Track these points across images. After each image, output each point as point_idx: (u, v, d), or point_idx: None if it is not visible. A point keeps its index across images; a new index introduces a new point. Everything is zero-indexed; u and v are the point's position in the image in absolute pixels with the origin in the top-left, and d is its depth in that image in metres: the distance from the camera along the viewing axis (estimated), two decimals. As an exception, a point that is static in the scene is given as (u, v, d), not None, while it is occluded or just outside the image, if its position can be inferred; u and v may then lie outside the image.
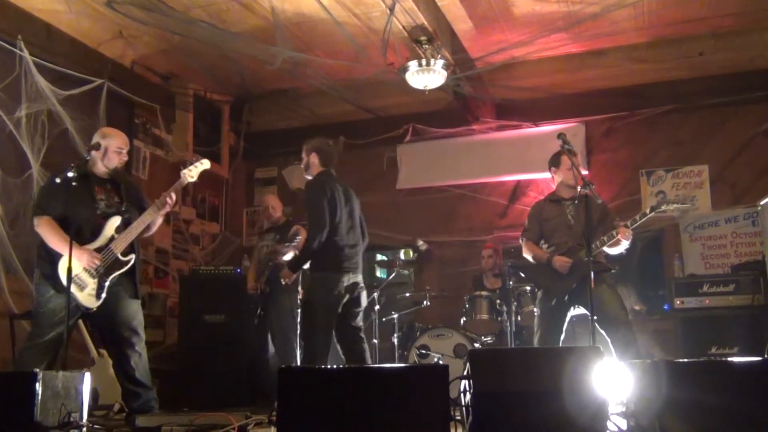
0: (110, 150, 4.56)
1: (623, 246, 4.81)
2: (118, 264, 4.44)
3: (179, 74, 7.48)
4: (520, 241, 5.26)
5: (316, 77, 7.08)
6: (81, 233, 4.35)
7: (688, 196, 7.08)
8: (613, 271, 5.03)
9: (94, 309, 4.37)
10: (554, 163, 5.17)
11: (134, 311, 4.58)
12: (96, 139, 4.59)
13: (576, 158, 4.90)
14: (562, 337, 4.97)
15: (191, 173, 4.79)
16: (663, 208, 4.83)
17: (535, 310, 5.18)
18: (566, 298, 4.89)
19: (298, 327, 5.61)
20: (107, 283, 4.39)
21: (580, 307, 4.89)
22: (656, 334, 6.84)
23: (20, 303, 5.38)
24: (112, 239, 4.44)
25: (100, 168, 4.57)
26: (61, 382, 3.49)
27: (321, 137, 5.38)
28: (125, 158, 4.68)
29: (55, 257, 4.32)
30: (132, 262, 4.50)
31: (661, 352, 6.51)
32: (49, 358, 4.29)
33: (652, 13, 6.38)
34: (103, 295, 4.37)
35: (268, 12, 6.08)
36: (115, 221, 4.49)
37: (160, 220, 4.72)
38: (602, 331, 4.70)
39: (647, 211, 4.82)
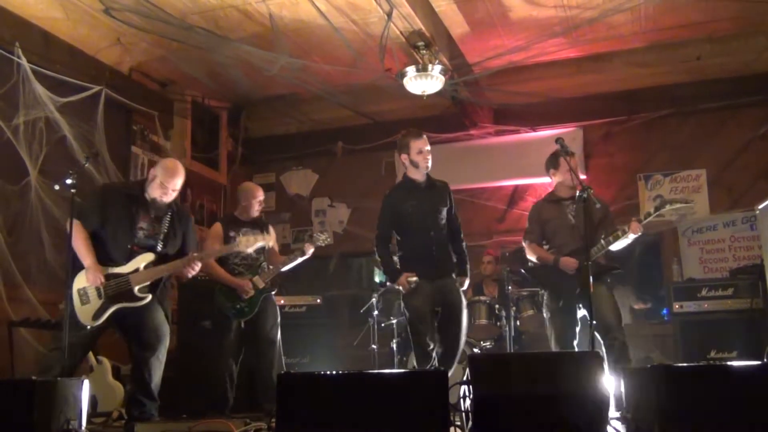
0: (155, 182, 4.49)
1: (630, 238, 4.79)
2: (129, 296, 4.41)
3: (177, 81, 7.47)
4: (523, 243, 5.26)
5: (314, 83, 7.08)
6: (111, 256, 4.41)
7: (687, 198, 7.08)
8: (616, 271, 5.01)
9: (87, 328, 4.34)
10: (552, 164, 5.17)
11: (162, 320, 4.64)
12: (157, 168, 4.55)
13: (573, 159, 4.90)
14: (576, 339, 4.95)
15: (248, 244, 4.80)
16: (668, 207, 4.80)
17: (545, 312, 5.15)
18: (573, 298, 4.88)
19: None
20: (111, 310, 4.37)
21: (582, 308, 4.89)
22: (655, 338, 6.84)
23: (18, 310, 5.37)
24: (136, 271, 4.43)
25: (150, 195, 4.52)
26: (59, 390, 3.48)
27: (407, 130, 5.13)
28: (168, 197, 4.53)
29: (78, 267, 4.37)
30: (146, 301, 4.47)
31: (661, 357, 6.50)
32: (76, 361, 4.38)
33: (649, 17, 6.40)
34: (102, 320, 4.36)
35: (265, 18, 6.09)
36: (149, 257, 4.48)
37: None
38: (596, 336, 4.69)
39: (658, 205, 4.82)
